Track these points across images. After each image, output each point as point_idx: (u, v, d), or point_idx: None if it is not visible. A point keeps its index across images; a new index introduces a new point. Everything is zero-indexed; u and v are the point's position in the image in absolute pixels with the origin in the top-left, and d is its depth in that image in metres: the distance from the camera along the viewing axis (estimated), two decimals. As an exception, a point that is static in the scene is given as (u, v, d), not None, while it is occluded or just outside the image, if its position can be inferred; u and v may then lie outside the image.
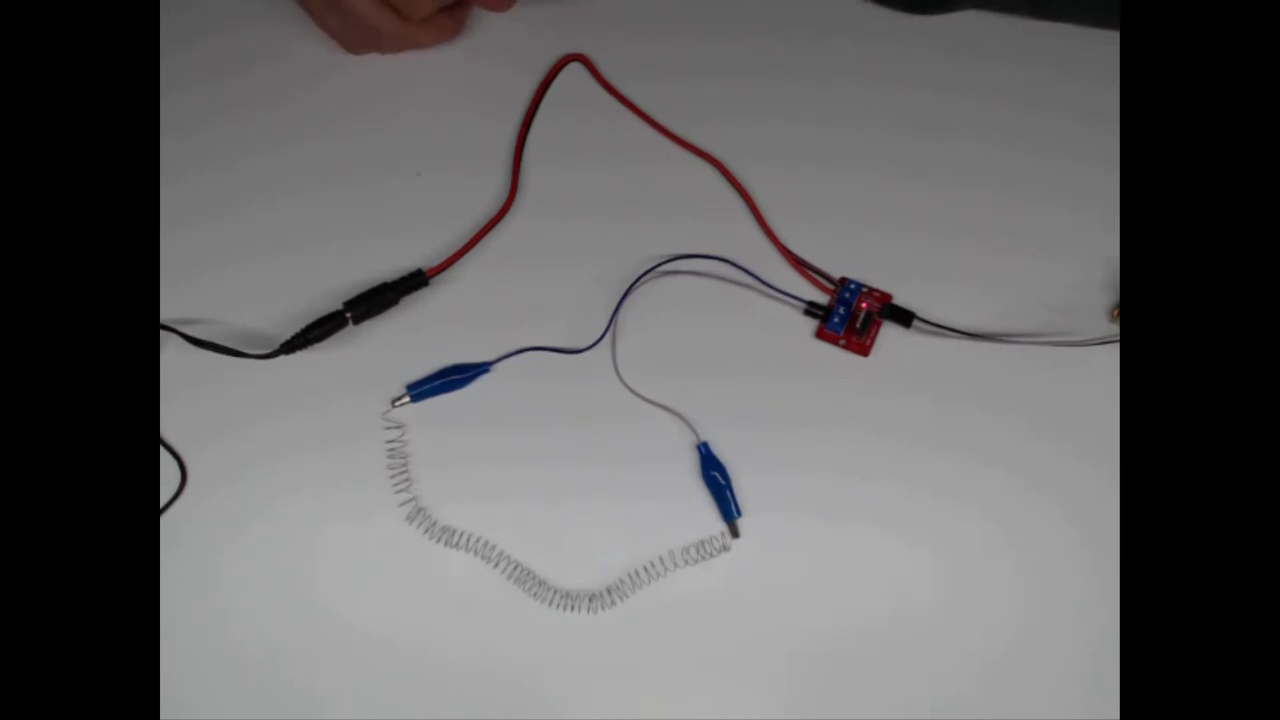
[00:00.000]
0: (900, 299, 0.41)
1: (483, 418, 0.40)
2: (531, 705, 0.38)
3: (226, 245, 0.41)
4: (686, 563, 0.39)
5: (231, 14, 0.44)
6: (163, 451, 0.40)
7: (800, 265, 0.41)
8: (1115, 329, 0.40)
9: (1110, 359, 0.40)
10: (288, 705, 0.38)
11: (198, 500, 0.39)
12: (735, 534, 0.39)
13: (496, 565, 0.39)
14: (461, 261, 0.41)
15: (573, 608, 0.39)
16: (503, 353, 0.40)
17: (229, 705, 0.38)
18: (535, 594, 0.39)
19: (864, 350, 0.40)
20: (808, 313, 0.41)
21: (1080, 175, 0.42)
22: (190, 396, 0.40)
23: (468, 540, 0.39)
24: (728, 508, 0.39)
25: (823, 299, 0.41)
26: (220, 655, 0.38)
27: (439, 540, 0.39)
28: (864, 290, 0.41)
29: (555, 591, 0.39)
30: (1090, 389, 0.40)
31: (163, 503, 0.39)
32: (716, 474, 0.39)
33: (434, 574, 0.39)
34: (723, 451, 0.40)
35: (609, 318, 0.41)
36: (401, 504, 0.39)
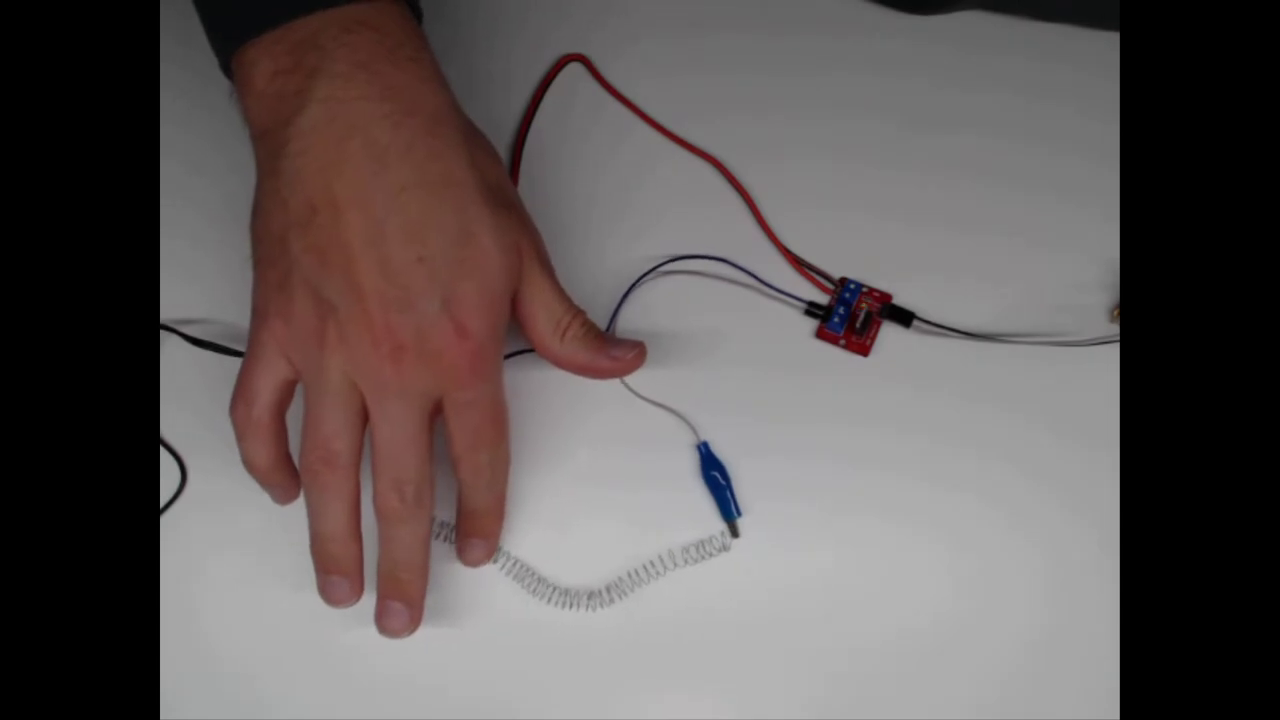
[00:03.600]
0: (900, 299, 0.41)
1: (483, 417, 0.40)
2: (532, 705, 0.38)
3: (226, 245, 0.41)
4: (686, 562, 0.39)
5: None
6: (163, 451, 0.40)
7: (800, 265, 0.41)
8: (1115, 329, 0.40)
9: (1110, 359, 0.40)
10: (287, 705, 0.38)
11: (198, 500, 0.39)
12: (735, 533, 0.39)
13: (496, 563, 0.39)
14: (461, 261, 0.41)
15: (572, 605, 0.39)
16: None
17: (229, 705, 0.38)
18: (535, 592, 0.39)
19: (864, 350, 0.40)
20: (808, 313, 0.41)
21: (1080, 175, 0.42)
22: (190, 396, 0.40)
23: (468, 540, 0.39)
24: (727, 507, 0.39)
25: (823, 299, 0.41)
26: (220, 655, 0.38)
27: (439, 539, 0.39)
28: (864, 290, 0.41)
29: (555, 589, 0.39)
30: (1090, 389, 0.40)
31: (163, 503, 0.39)
32: (716, 474, 0.39)
33: (433, 573, 0.39)
34: (723, 451, 0.40)
35: (609, 318, 0.41)
36: (401, 504, 0.39)
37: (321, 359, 0.33)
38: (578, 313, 0.36)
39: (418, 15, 0.36)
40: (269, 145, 0.33)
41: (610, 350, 0.37)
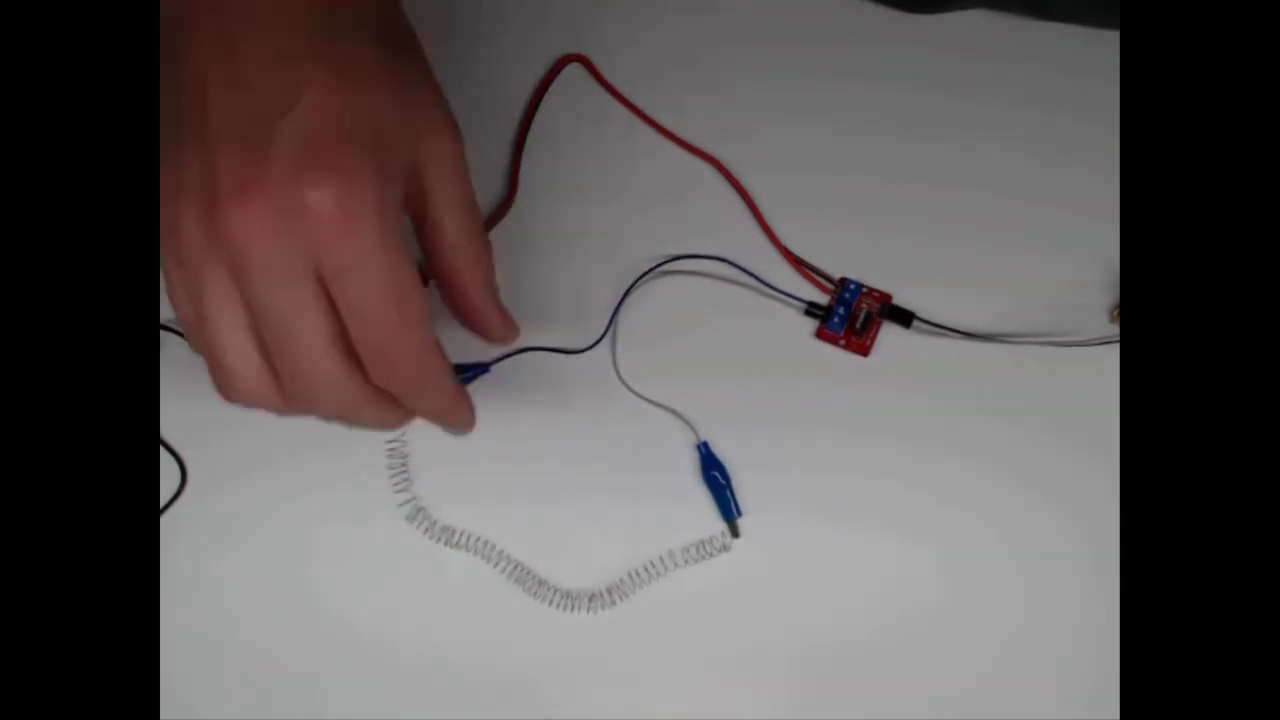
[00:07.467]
0: (900, 299, 0.41)
1: (482, 418, 0.40)
2: (531, 705, 0.38)
3: (226, 245, 0.41)
4: (686, 562, 0.39)
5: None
6: (163, 451, 0.40)
7: (800, 265, 0.41)
8: (1115, 329, 0.40)
9: (1110, 359, 0.40)
10: (287, 705, 0.38)
11: (198, 500, 0.39)
12: (735, 534, 0.39)
13: (496, 565, 0.39)
14: (461, 261, 0.41)
15: (573, 607, 0.39)
16: (502, 353, 0.40)
17: (229, 705, 0.38)
18: (535, 594, 0.39)
19: (864, 350, 0.40)
20: (808, 313, 0.41)
21: (1080, 175, 0.41)
22: (190, 396, 0.40)
23: (468, 540, 0.39)
24: (728, 507, 0.39)
25: (823, 299, 0.41)
26: (220, 655, 0.38)
27: (439, 540, 0.39)
28: (864, 290, 0.41)
29: (555, 591, 0.39)
30: (1090, 389, 0.40)
31: (163, 503, 0.39)
32: (716, 474, 0.39)
33: (434, 574, 0.39)
34: (723, 451, 0.40)
35: (609, 318, 0.41)
36: (401, 504, 0.39)
37: (178, 236, 0.26)
38: (489, 242, 0.31)
39: None
40: None
41: (500, 305, 0.32)
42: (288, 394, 0.28)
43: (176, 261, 0.27)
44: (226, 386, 0.28)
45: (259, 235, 0.25)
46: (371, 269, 0.26)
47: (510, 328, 0.34)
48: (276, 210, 0.25)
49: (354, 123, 0.26)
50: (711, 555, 0.39)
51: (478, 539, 0.39)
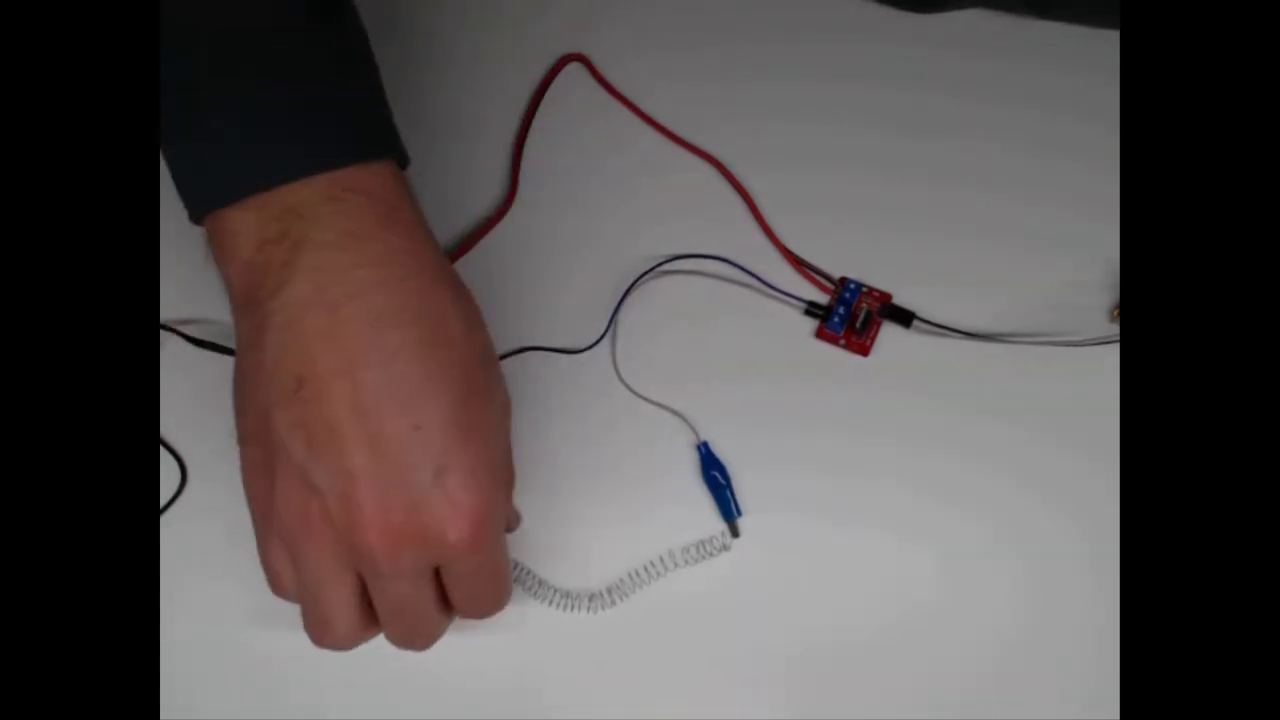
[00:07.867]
0: (900, 299, 0.41)
1: (483, 418, 0.40)
2: (531, 705, 0.38)
3: (226, 245, 0.41)
4: (686, 562, 0.39)
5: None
6: (163, 451, 0.40)
7: (800, 265, 0.41)
8: (1115, 329, 0.40)
9: (1110, 359, 0.40)
10: (287, 705, 0.38)
11: (198, 500, 0.39)
12: (735, 533, 0.39)
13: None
14: (461, 261, 0.41)
15: (572, 607, 0.39)
16: (502, 353, 0.40)
17: (229, 705, 0.38)
18: (535, 593, 0.39)
19: (864, 350, 0.40)
20: (808, 313, 0.41)
21: (1080, 175, 0.42)
22: (190, 396, 0.40)
23: (468, 540, 0.39)
24: (728, 507, 0.39)
25: (823, 299, 0.41)
26: (220, 655, 0.38)
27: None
28: (864, 290, 0.41)
29: (555, 591, 0.39)
30: (1090, 389, 0.40)
31: (163, 503, 0.39)
32: (716, 474, 0.39)
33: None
34: (723, 451, 0.40)
35: (609, 318, 0.41)
36: (401, 504, 0.39)
37: (308, 548, 0.31)
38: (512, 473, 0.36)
39: (404, 162, 0.34)
40: (253, 317, 0.31)
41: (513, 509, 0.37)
42: (384, 634, 0.33)
43: (286, 542, 0.32)
44: (323, 638, 0.33)
45: (397, 558, 0.30)
46: (486, 571, 0.32)
47: (518, 521, 0.38)
48: (419, 544, 0.30)
49: (486, 475, 0.31)
50: (711, 555, 0.39)
51: (478, 539, 0.39)
